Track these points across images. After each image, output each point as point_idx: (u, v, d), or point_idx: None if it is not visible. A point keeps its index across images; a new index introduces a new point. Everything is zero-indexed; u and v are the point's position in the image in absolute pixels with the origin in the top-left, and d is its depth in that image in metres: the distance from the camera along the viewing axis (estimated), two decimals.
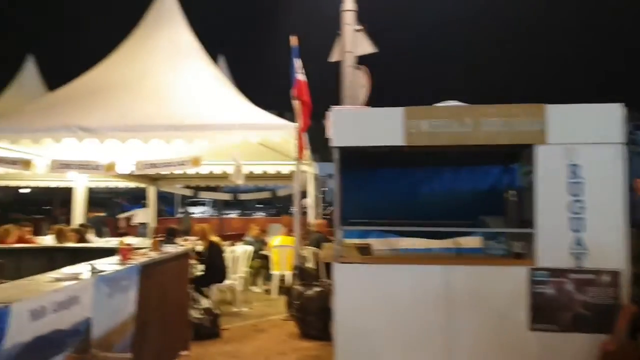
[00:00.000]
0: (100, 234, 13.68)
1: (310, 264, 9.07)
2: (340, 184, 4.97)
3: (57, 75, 9.37)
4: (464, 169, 7.21)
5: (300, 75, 8.10)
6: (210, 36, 11.25)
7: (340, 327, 4.85)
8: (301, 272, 8.11)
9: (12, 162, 8.55)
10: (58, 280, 3.69)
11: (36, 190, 21.43)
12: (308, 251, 9.35)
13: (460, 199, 7.15)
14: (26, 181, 15.27)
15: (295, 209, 8.68)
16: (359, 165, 6.25)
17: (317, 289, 7.28)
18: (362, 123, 4.92)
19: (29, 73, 13.75)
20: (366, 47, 7.70)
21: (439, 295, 4.78)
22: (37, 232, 10.23)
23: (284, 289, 9.49)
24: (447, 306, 4.78)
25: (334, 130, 4.84)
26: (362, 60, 7.83)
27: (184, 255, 6.57)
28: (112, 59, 9.73)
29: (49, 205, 27.99)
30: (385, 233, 7.22)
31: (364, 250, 6.11)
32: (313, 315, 7.14)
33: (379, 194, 6.96)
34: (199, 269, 8.40)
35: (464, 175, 7.25)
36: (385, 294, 4.82)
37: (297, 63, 8.11)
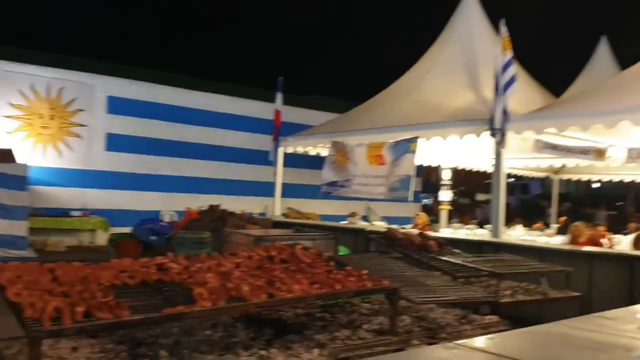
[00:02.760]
0: None
1: None
2: None
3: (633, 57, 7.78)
4: None
5: None
6: None
7: None
8: None
9: (583, 152, 7.51)
10: None
11: (607, 185, 20.14)
12: None
13: None
14: (597, 175, 14.18)
15: None
16: None
17: None
18: None
19: (602, 56, 12.51)
20: None
21: None
22: (611, 231, 8.94)
23: None
24: None
25: None
26: None
27: None
28: None
29: (621, 200, 26.12)
30: None
31: None
32: None
33: None
34: None
35: None
36: None
37: None
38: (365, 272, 3.66)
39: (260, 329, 3.62)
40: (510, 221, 12.65)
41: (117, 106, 13.22)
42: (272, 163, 11.11)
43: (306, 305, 4.09)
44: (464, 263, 4.54)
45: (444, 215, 12.30)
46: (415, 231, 6.11)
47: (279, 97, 10.99)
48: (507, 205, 8.40)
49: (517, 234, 10.33)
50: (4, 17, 18.70)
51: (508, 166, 11.99)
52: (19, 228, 9.97)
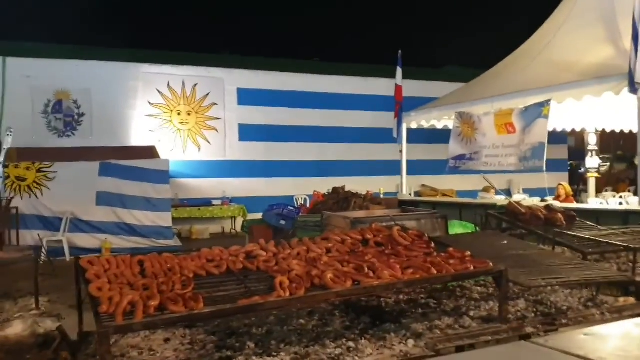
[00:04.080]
0: None
1: None
2: None
3: None
4: None
5: None
6: None
7: None
8: None
9: None
10: None
11: None
12: None
13: None
14: None
15: None
16: None
17: None
18: None
19: None
20: None
21: None
22: None
23: None
24: None
25: None
26: None
27: None
28: None
29: None
30: None
31: None
32: None
33: None
34: None
35: None
36: None
37: None
38: (468, 253, 3.31)
39: (358, 317, 3.44)
40: None
41: (246, 97, 13.69)
42: (397, 140, 10.78)
43: (410, 291, 3.82)
44: (595, 237, 3.96)
45: (591, 183, 11.13)
46: (543, 204, 5.50)
47: (399, 71, 10.59)
48: None
49: None
50: (136, 24, 20.09)
51: None
52: (164, 219, 10.75)
